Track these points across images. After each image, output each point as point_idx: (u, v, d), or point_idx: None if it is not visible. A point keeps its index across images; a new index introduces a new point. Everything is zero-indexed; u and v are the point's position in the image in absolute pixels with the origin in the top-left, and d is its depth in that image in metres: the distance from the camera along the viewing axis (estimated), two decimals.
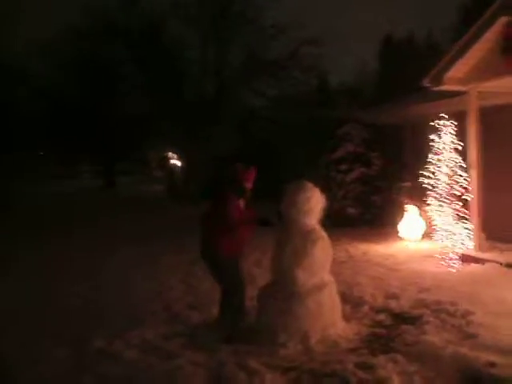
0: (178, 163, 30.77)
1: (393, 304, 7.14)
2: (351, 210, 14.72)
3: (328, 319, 6.09)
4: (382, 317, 6.72)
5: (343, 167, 15.15)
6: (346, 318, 6.55)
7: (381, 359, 5.28)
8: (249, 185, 6.31)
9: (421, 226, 11.96)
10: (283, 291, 6.08)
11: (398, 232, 12.21)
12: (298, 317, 5.93)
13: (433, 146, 9.82)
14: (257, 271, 9.64)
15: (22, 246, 13.48)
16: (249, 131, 24.67)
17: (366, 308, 7.06)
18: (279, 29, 23.42)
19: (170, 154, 34.35)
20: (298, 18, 31.08)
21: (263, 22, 23.75)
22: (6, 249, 12.76)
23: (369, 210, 14.85)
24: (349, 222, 14.37)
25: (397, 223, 12.66)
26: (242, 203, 6.33)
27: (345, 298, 7.01)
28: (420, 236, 11.99)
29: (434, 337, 5.76)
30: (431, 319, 6.37)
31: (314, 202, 6.22)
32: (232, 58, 24.55)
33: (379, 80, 42.81)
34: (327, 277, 6.37)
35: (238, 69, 24.47)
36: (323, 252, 6.22)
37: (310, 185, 6.29)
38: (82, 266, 10.71)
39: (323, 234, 6.32)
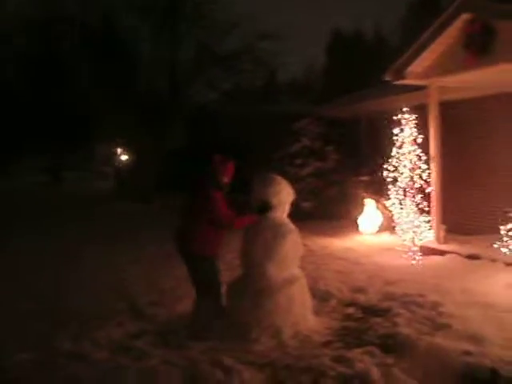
0: (127, 159, 30.32)
1: (361, 297, 7.13)
2: (305, 204, 14.68)
3: (299, 314, 6.02)
4: (351, 310, 6.70)
5: (298, 161, 15.16)
6: (315, 312, 6.48)
7: (356, 352, 5.23)
8: (226, 179, 6.12)
9: (379, 220, 12.05)
10: (254, 286, 5.98)
11: (357, 225, 12.27)
12: (270, 312, 5.84)
13: (394, 139, 9.89)
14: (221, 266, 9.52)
15: None
16: (201, 125, 24.45)
17: (333, 302, 7.03)
18: (232, 23, 23.34)
19: (119, 149, 33.81)
20: (250, 13, 30.72)
21: (216, 16, 23.59)
22: None
23: (324, 204, 14.86)
24: (303, 216, 14.32)
25: (353, 217, 12.75)
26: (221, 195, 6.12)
27: (311, 292, 6.82)
28: (378, 229, 12.07)
29: (406, 328, 5.75)
30: (401, 311, 6.36)
31: (284, 196, 6.15)
32: (185, 51, 24.32)
33: (327, 75, 43.29)
34: (297, 271, 6.30)
35: (191, 62, 24.22)
36: (293, 246, 6.15)
37: (279, 178, 6.21)
38: (36, 267, 10.29)
39: (293, 227, 6.25)
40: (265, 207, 6.05)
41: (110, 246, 11.95)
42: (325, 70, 45.28)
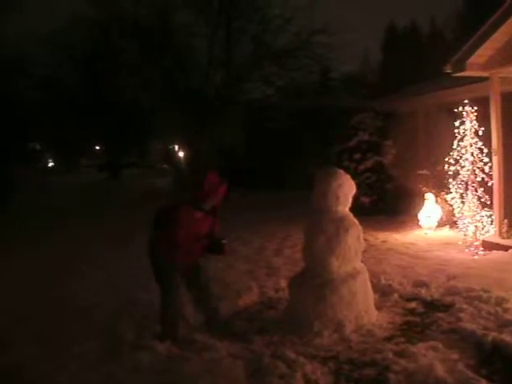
0: (183, 155, 30.60)
1: (423, 292, 7.02)
2: (364, 199, 14.57)
3: (361, 308, 6.01)
4: (413, 305, 6.63)
5: (356, 156, 15.06)
6: (377, 306, 6.44)
7: (420, 347, 5.17)
8: (215, 200, 5.89)
9: (439, 214, 11.88)
10: (316, 279, 5.98)
11: (417, 220, 12.10)
12: (332, 305, 5.84)
13: (454, 132, 9.74)
14: (277, 261, 9.59)
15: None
16: (256, 122, 24.52)
17: (395, 296, 6.96)
18: (286, 18, 23.34)
19: (176, 146, 34.24)
20: (303, 8, 30.49)
21: (271, 12, 23.66)
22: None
23: (383, 199, 14.75)
24: (362, 211, 14.16)
25: (412, 211, 12.59)
26: (200, 215, 5.85)
27: (372, 286, 6.73)
28: (438, 224, 11.90)
29: (471, 324, 5.63)
30: (465, 306, 6.23)
31: (346, 189, 6.13)
32: (240, 48, 24.42)
33: (382, 69, 42.82)
34: (360, 265, 6.30)
35: (246, 58, 24.31)
36: (356, 239, 6.15)
37: (341, 172, 6.20)
38: (93, 257, 10.56)
39: (355, 221, 6.24)
40: (216, 249, 5.97)
41: None
42: (380, 64, 44.82)
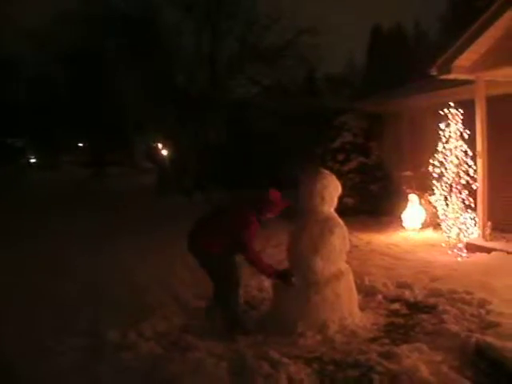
0: (167, 153, 30.45)
1: (406, 293, 7.06)
2: (348, 200, 14.57)
3: (345, 309, 6.02)
4: (396, 306, 6.66)
5: (341, 157, 15.06)
6: (361, 307, 6.45)
7: (404, 348, 5.17)
8: (270, 215, 6.14)
9: (422, 216, 11.91)
10: (300, 280, 5.97)
11: (401, 221, 12.14)
12: (316, 306, 5.84)
13: (439, 134, 9.77)
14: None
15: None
16: (242, 120, 24.48)
17: (379, 297, 6.98)
18: (272, 18, 23.38)
19: (159, 144, 34.06)
20: (290, 8, 30.54)
21: (257, 11, 23.71)
22: None
23: (366, 200, 14.74)
24: (346, 212, 14.17)
25: (396, 212, 12.62)
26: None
27: (356, 287, 6.70)
28: (421, 225, 11.93)
29: (454, 326, 5.67)
30: (448, 308, 6.27)
31: (332, 190, 6.13)
32: (226, 47, 24.43)
33: (367, 71, 42.91)
34: (344, 266, 6.29)
35: (232, 57, 24.32)
36: (341, 240, 6.15)
37: (326, 172, 6.20)
38: (77, 257, 10.35)
39: (340, 222, 6.24)
40: (286, 276, 6.01)
41: (152, 239, 12.02)
42: (365, 65, 44.90)
